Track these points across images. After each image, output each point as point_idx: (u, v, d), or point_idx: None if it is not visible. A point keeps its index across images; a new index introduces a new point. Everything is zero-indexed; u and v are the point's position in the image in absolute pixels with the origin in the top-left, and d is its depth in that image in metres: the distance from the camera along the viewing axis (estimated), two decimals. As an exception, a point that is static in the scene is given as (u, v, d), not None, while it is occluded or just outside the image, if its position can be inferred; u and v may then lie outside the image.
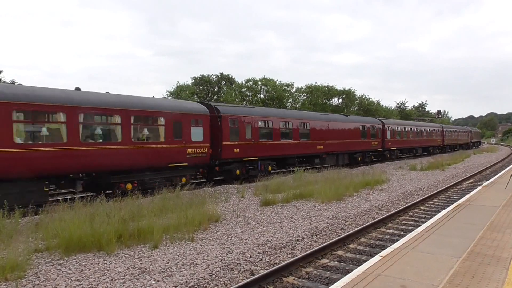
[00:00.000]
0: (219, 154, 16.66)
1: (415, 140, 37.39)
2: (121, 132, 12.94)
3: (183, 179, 14.95)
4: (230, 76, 54.45)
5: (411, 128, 36.60)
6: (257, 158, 18.65)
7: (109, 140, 12.87)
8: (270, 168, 19.75)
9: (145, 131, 14.09)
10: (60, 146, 11.36)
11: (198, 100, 29.34)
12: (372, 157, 30.08)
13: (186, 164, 15.03)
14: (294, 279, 6.54)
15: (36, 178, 10.85)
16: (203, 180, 16.54)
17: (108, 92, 13.82)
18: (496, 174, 19.96)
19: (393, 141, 32.39)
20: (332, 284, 5.21)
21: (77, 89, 12.84)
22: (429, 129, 41.61)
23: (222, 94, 50.33)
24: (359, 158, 28.03)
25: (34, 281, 6.01)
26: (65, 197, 12.37)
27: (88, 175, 12.83)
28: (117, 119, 12.92)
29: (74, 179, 12.39)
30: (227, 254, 7.41)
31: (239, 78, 64.93)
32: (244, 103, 45.48)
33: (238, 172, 17.72)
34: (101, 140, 12.61)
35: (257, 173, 18.46)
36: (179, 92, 48.01)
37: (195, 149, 15.39)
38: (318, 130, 23.33)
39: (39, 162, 10.79)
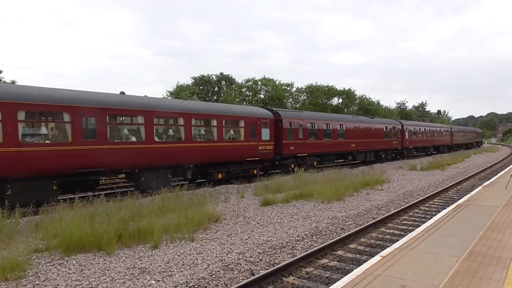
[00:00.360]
0: (279, 150, 20.10)
1: (428, 139, 41.07)
2: (217, 133, 16.43)
3: (255, 171, 18.78)
4: (230, 76, 54.50)
5: (425, 129, 40.10)
6: (306, 154, 22.11)
7: (210, 139, 16.35)
8: (315, 163, 23.07)
9: (231, 131, 17.74)
10: (181, 143, 14.94)
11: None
12: (393, 154, 33.79)
13: (258, 158, 18.76)
14: (294, 279, 6.53)
15: (162, 168, 14.33)
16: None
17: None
18: (496, 174, 19.96)
19: (410, 140, 36.03)
20: (332, 284, 5.21)
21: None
22: (440, 130, 45.43)
23: (222, 94, 50.37)
24: (383, 156, 31.56)
25: (34, 281, 6.02)
26: (65, 197, 12.40)
27: (196, 166, 16.09)
28: (215, 123, 16.45)
29: (186, 169, 15.56)
30: (227, 254, 7.41)
31: (239, 78, 65.04)
32: (244, 103, 45.51)
33: (292, 165, 21.01)
34: (204, 139, 16.19)
35: (306, 167, 21.54)
36: (179, 92, 48.03)
37: (264, 146, 19.10)
38: (352, 130, 26.68)
39: (169, 156, 14.45)
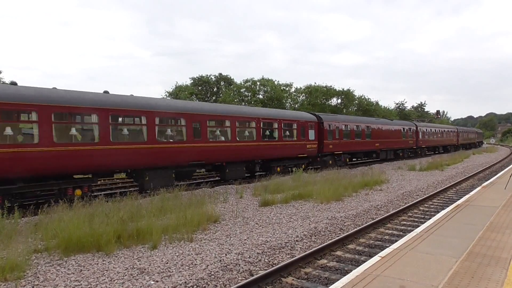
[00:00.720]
0: (321, 149, 23.79)
1: (438, 140, 45.56)
2: (277, 133, 20.35)
3: (303, 165, 22.21)
4: (228, 76, 54.48)
5: (435, 130, 44.37)
6: (341, 152, 25.82)
7: (273, 139, 20.10)
8: (347, 159, 27.19)
9: (287, 132, 21.24)
10: (254, 142, 18.72)
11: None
12: (409, 153, 37.46)
13: (306, 155, 22.51)
14: (293, 279, 6.53)
15: (241, 163, 18.18)
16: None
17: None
18: (496, 175, 19.97)
19: (423, 140, 40.14)
20: (331, 284, 5.21)
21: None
22: (448, 131, 50.23)
23: (221, 95, 50.37)
24: (401, 154, 35.36)
25: (34, 282, 6.01)
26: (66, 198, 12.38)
27: (262, 161, 19.70)
28: (276, 125, 20.41)
29: (255, 163, 19.22)
30: (226, 255, 7.41)
31: (238, 79, 65.12)
32: (243, 103, 45.53)
33: (330, 162, 24.87)
34: (269, 139, 19.92)
35: (341, 163, 25.78)
36: (178, 92, 48.00)
37: (310, 145, 22.81)
38: (376, 131, 30.30)
39: (246, 152, 18.21)
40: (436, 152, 45.86)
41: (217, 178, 19.27)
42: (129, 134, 13.94)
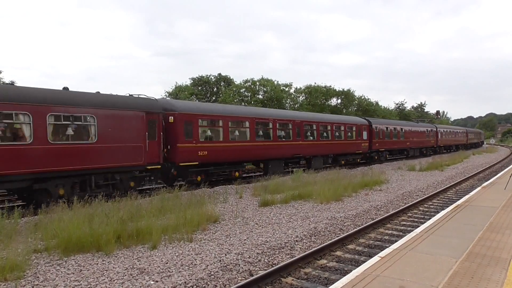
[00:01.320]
0: (370, 147, 29.82)
1: (452, 139, 52.95)
2: (343, 134, 26.78)
3: (358, 160, 29.22)
4: (228, 77, 54.43)
5: (450, 131, 51.01)
6: (384, 149, 32.36)
7: (340, 139, 26.43)
8: (387, 156, 33.37)
9: (349, 134, 27.57)
10: (329, 141, 25.28)
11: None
12: (431, 151, 43.51)
13: (360, 152, 28.82)
14: (293, 279, 6.53)
15: (321, 156, 24.23)
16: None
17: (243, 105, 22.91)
18: (496, 175, 19.97)
19: (441, 140, 46.89)
20: (331, 284, 5.21)
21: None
22: (460, 131, 58.59)
23: (220, 95, 50.34)
24: (425, 152, 41.51)
25: (33, 281, 6.01)
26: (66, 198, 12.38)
27: (333, 155, 26.08)
28: (342, 128, 26.74)
29: (329, 157, 25.56)
30: (225, 255, 7.41)
31: (237, 79, 64.96)
32: (243, 103, 45.53)
33: (375, 157, 31.10)
34: (338, 138, 26.15)
35: (383, 159, 32.25)
36: (177, 92, 47.99)
37: (364, 144, 29.14)
38: (407, 132, 36.63)
39: (325, 149, 24.73)
40: (450, 150, 52.15)
41: (303, 168, 23.57)
42: (263, 134, 19.99)
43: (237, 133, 18.26)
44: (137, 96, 14.66)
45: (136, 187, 13.95)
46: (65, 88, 12.91)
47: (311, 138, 23.42)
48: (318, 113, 28.60)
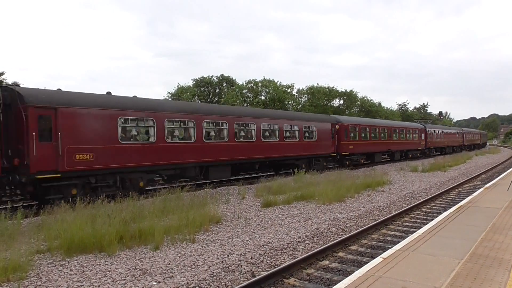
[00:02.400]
0: (426, 145, 40.86)
1: (471, 139, 62.98)
2: (411, 136, 36.52)
3: (418, 154, 39.64)
4: (231, 77, 54.50)
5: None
6: (433, 148, 43.60)
7: (403, 139, 35.15)
8: (434, 152, 44.35)
9: (414, 135, 36.85)
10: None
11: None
12: (418, 154, 49.08)
13: (420, 148, 39.31)
14: (295, 280, 6.53)
15: (379, 153, 31.84)
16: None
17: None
18: (498, 176, 19.89)
19: (465, 140, 57.70)
20: (334, 285, 5.20)
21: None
22: (477, 133, 72.70)
23: (223, 96, 50.38)
24: (456, 150, 51.87)
25: (36, 282, 6.03)
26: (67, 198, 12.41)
27: (389, 152, 33.45)
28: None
29: (393, 153, 33.46)
30: (228, 256, 7.41)
31: (239, 80, 64.96)
32: (245, 104, 45.56)
33: (427, 153, 41.78)
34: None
35: (433, 155, 42.80)
36: (180, 93, 48.07)
37: (422, 143, 39.83)
38: (446, 134, 48.06)
39: (384, 146, 32.36)
40: (444, 153, 56.27)
41: (368, 161, 30.41)
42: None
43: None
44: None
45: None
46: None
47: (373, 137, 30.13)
48: (374, 120, 36.38)
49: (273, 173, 21.26)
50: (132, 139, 13.59)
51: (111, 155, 12.64)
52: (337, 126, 25.67)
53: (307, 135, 22.70)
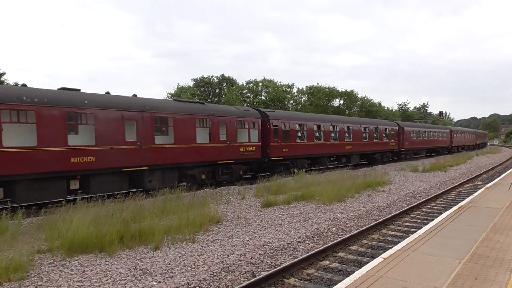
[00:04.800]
0: (451, 143, 48.46)
1: (479, 138, 67.40)
2: (444, 137, 47.05)
3: (445, 152, 48.37)
4: (231, 77, 54.52)
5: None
6: (457, 146, 51.24)
7: (434, 139, 44.39)
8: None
9: (444, 137, 47.23)
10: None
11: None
12: (472, 148, 58.76)
13: (448, 146, 48.76)
14: (295, 280, 6.53)
15: (425, 149, 43.32)
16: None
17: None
18: (499, 176, 19.88)
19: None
20: (334, 285, 5.20)
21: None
22: (484, 133, 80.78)
23: (223, 96, 50.39)
24: (470, 149, 57.22)
25: (37, 282, 6.03)
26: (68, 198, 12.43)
27: (430, 149, 44.59)
28: (441, 133, 45.51)
29: (427, 150, 43.94)
30: (228, 256, 7.41)
31: (238, 80, 65.05)
32: (245, 104, 45.55)
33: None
34: (431, 138, 42.58)
35: (456, 152, 48.78)
36: (179, 93, 48.06)
37: (448, 142, 47.61)
38: (460, 133, 54.06)
39: (425, 144, 41.86)
40: (479, 148, 66.16)
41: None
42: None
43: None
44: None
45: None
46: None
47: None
48: (420, 124, 46.70)
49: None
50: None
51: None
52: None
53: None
